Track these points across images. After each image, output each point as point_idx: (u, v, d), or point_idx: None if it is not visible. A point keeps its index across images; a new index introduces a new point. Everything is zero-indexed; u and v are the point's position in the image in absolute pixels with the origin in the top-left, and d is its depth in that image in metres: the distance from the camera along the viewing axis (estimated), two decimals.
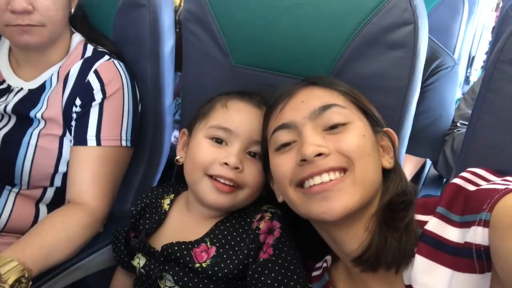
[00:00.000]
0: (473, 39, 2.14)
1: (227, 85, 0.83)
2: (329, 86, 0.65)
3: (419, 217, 0.57)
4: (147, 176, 1.04)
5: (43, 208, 0.92)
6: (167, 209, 0.77)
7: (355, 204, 0.56)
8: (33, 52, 0.89)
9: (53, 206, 0.90)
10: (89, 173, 0.84)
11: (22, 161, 0.85)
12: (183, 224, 0.76)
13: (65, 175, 0.89)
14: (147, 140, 1.01)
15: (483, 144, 0.69)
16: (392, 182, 0.61)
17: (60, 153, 0.88)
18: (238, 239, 0.69)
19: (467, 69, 2.31)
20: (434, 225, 0.53)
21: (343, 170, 0.58)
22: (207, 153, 0.70)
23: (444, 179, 1.38)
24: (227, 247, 0.69)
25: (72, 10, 0.90)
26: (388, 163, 0.63)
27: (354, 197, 0.56)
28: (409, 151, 1.02)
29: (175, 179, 0.84)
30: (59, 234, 0.76)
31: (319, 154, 0.57)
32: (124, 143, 0.88)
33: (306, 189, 0.58)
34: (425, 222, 0.55)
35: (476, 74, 2.36)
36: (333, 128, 0.60)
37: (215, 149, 0.70)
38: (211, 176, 0.69)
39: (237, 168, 0.68)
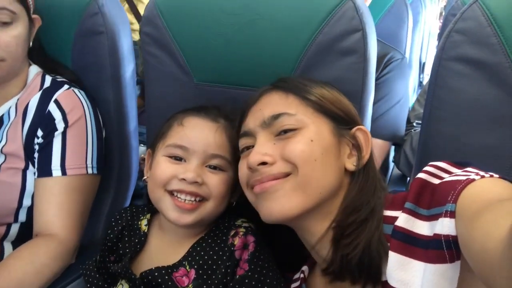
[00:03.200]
0: (421, 47, 2.27)
1: (190, 103, 0.84)
2: (288, 90, 0.66)
3: (388, 212, 0.58)
4: (117, 202, 1.02)
5: (8, 246, 0.88)
6: (145, 231, 0.76)
7: (295, 208, 0.58)
8: None
9: (18, 243, 0.86)
10: (56, 203, 0.82)
11: None
12: (161, 246, 0.75)
13: (30, 210, 0.87)
14: (114, 165, 1.00)
15: (437, 137, 0.73)
16: (350, 189, 0.61)
17: (23, 187, 0.85)
18: (215, 257, 0.69)
19: (419, 75, 2.43)
20: (403, 220, 0.54)
21: (287, 175, 0.59)
22: (166, 170, 0.71)
23: (408, 178, 1.43)
24: (205, 267, 0.69)
25: (30, 44, 0.89)
26: (351, 165, 0.63)
27: (295, 202, 0.58)
28: (371, 134, 1.09)
29: (146, 200, 0.83)
30: (27, 267, 0.74)
31: (263, 163, 0.60)
32: (90, 171, 0.87)
33: (253, 190, 0.62)
34: (394, 218, 0.56)
35: (428, 79, 2.49)
36: (285, 132, 0.62)
37: (174, 166, 0.71)
38: (172, 193, 0.70)
39: (196, 182, 0.69)
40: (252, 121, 0.65)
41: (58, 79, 0.92)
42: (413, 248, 0.52)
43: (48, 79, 0.91)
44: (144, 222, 0.78)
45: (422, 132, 0.77)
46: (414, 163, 0.82)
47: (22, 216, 0.87)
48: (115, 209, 1.01)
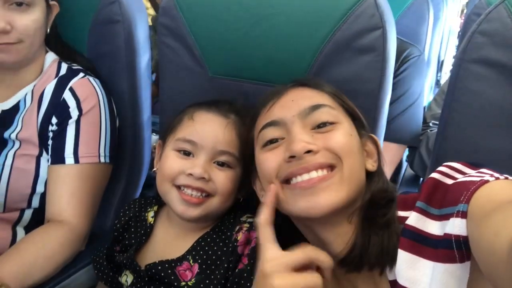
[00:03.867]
0: (441, 44, 2.22)
1: (205, 96, 0.83)
2: (317, 87, 0.66)
3: (400, 213, 0.58)
4: (128, 191, 1.03)
5: (20, 231, 0.89)
6: (152, 222, 0.77)
7: (341, 200, 0.57)
8: (7, 72, 0.88)
9: (31, 228, 0.87)
10: (68, 191, 0.83)
11: None
12: (167, 238, 0.76)
13: (43, 196, 0.88)
14: (127, 155, 1.00)
15: (454, 140, 0.72)
16: (374, 183, 0.62)
17: (37, 174, 0.86)
18: (219, 253, 0.70)
19: (437, 73, 2.39)
20: (414, 219, 0.54)
21: (331, 167, 0.59)
22: (174, 165, 0.71)
23: (421, 178, 1.41)
24: (209, 262, 0.69)
25: (48, 30, 0.89)
26: (371, 166, 0.64)
27: (341, 194, 0.57)
28: (387, 138, 1.06)
29: (155, 191, 0.84)
30: (38, 252, 0.75)
31: (308, 151, 0.58)
32: (102, 160, 0.87)
33: (293, 185, 0.59)
34: (406, 218, 0.56)
35: (445, 77, 2.44)
36: (321, 126, 0.61)
37: (182, 161, 0.71)
38: (179, 187, 0.71)
39: (203, 178, 0.69)
40: (283, 111, 0.63)
41: (74, 67, 0.92)
42: (423, 247, 0.52)
43: (64, 67, 0.91)
44: (150, 214, 0.78)
45: (439, 134, 0.75)
46: (429, 164, 0.81)
47: (35, 202, 0.88)
48: (126, 198, 1.02)
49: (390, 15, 0.73)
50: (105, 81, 0.94)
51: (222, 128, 0.72)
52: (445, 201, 0.51)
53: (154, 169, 0.78)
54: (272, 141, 0.63)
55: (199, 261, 0.69)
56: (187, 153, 0.72)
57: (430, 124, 1.32)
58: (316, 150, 0.59)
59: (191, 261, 0.70)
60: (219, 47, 0.82)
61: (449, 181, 0.53)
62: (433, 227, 0.52)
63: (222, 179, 0.70)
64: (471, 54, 0.67)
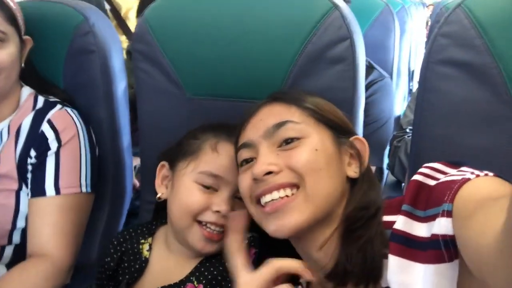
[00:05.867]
0: (409, 55, 2.30)
1: (184, 117, 0.84)
2: (288, 101, 0.66)
3: (386, 218, 0.58)
4: (112, 220, 1.02)
5: (1, 269, 0.86)
6: (147, 256, 0.74)
7: (305, 220, 0.58)
8: None
9: (13, 265, 0.85)
10: (50, 223, 0.81)
11: None
12: (165, 266, 0.74)
13: (23, 231, 0.85)
14: (108, 183, 0.99)
15: (428, 140, 0.74)
16: (355, 193, 0.62)
17: (17, 208, 0.84)
18: (224, 273, 0.68)
19: (409, 83, 2.46)
20: (401, 223, 0.54)
21: (295, 186, 0.59)
22: (198, 200, 0.69)
23: (403, 184, 1.44)
24: (214, 282, 0.68)
25: (22, 64, 0.89)
26: (353, 172, 0.64)
27: (305, 214, 0.58)
28: None
29: (154, 217, 0.81)
30: None
31: (269, 172, 0.59)
32: (84, 189, 0.86)
33: (262, 209, 0.60)
34: (393, 222, 0.56)
35: (417, 86, 2.53)
36: (287, 143, 0.61)
37: (205, 195, 0.69)
38: (199, 222, 0.69)
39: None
40: (252, 132, 0.64)
41: (51, 99, 0.92)
42: (413, 251, 0.52)
43: (41, 100, 0.91)
44: (145, 247, 0.76)
45: (414, 135, 0.78)
46: (408, 167, 0.82)
47: (16, 238, 0.86)
48: (110, 228, 1.00)
49: (356, 26, 0.77)
50: (83, 110, 0.94)
51: None
52: (430, 202, 0.52)
53: (159, 195, 0.75)
54: (247, 161, 0.64)
55: (204, 281, 0.68)
56: (207, 187, 0.70)
57: (407, 130, 1.36)
58: (277, 170, 0.59)
59: (195, 282, 0.68)
60: (194, 67, 0.83)
61: (432, 182, 0.54)
62: (420, 229, 0.53)
63: None
64: (435, 55, 0.71)
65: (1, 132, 0.88)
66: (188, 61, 0.84)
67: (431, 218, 0.51)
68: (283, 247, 0.68)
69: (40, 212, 0.82)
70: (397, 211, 0.56)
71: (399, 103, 1.85)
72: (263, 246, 0.71)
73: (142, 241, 0.77)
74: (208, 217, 0.68)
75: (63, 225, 0.82)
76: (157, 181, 0.76)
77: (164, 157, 0.77)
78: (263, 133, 0.63)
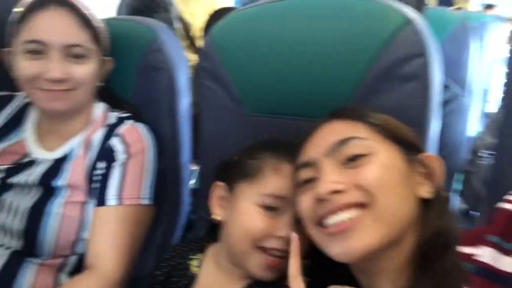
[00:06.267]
0: (485, 74, 2.14)
1: (244, 134, 0.84)
2: (351, 118, 0.62)
3: (464, 249, 0.53)
4: (168, 233, 1.03)
5: (64, 278, 0.89)
6: (196, 272, 0.73)
7: (376, 242, 0.53)
8: (58, 121, 0.92)
9: (75, 274, 0.88)
10: (108, 233, 0.83)
11: (47, 232, 0.85)
12: (213, 285, 0.72)
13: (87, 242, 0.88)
14: (166, 196, 1.00)
15: None
16: (430, 217, 0.56)
17: (82, 220, 0.87)
18: None
19: (483, 103, 2.29)
20: (488, 255, 0.50)
21: (362, 205, 0.54)
22: (260, 225, 0.66)
23: (470, 212, 1.32)
24: None
25: (100, 82, 0.94)
26: (426, 192, 0.58)
27: (375, 235, 0.53)
28: None
29: (209, 236, 0.80)
30: None
31: (335, 192, 0.55)
32: (145, 201, 0.88)
33: (326, 230, 0.56)
34: (473, 255, 0.51)
35: (491, 106, 2.34)
36: (352, 160, 0.57)
37: (268, 220, 0.66)
38: (260, 248, 0.66)
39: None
40: (313, 151, 0.61)
41: (121, 115, 0.95)
42: (498, 287, 0.48)
43: (112, 115, 0.95)
44: (195, 263, 0.75)
45: (497, 162, 0.70)
46: (486, 196, 0.74)
47: (80, 249, 0.89)
48: (166, 240, 1.02)
49: (432, 42, 0.72)
50: (149, 124, 0.96)
51: None
52: None
53: (215, 216, 0.73)
54: (307, 181, 0.60)
55: None
56: (269, 208, 0.67)
57: (482, 155, 1.25)
58: (343, 189, 0.55)
59: None
60: (256, 85, 0.83)
61: None
62: (509, 264, 0.48)
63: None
64: None
65: (75, 146, 0.92)
66: (250, 79, 0.83)
67: None
68: (338, 276, 0.63)
69: (100, 222, 0.84)
70: (477, 242, 0.51)
71: (472, 124, 1.72)
72: (315, 276, 0.67)
73: (191, 257, 0.76)
74: (271, 243, 0.65)
75: (121, 236, 0.83)
76: (212, 202, 0.74)
77: (220, 177, 0.75)
78: (325, 150, 0.59)
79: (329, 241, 0.56)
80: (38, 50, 0.83)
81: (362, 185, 0.55)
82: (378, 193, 0.54)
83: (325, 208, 0.56)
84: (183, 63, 1.04)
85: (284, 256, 0.64)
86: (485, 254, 0.50)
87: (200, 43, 1.89)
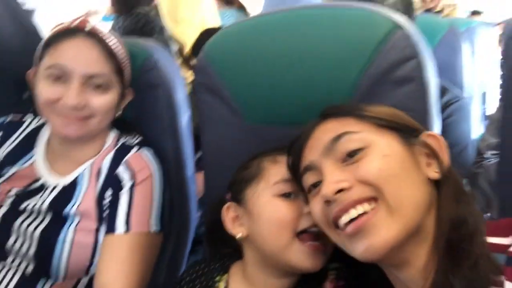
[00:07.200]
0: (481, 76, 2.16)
1: (244, 144, 0.84)
2: (342, 114, 0.62)
3: (493, 240, 0.51)
4: (177, 248, 1.02)
5: None
6: None
7: (395, 235, 0.52)
8: (70, 146, 0.92)
9: None
10: (117, 261, 0.82)
11: (59, 257, 0.85)
12: None
13: None
14: (173, 212, 1.00)
15: None
16: (444, 197, 0.55)
17: (95, 246, 0.87)
18: None
19: (482, 106, 2.30)
20: None
21: (372, 199, 0.54)
22: (288, 209, 0.66)
23: (488, 214, 1.31)
24: None
25: (119, 113, 0.94)
26: (434, 173, 0.57)
27: (393, 228, 0.52)
28: None
29: (236, 252, 0.77)
30: None
31: (340, 190, 0.55)
32: (153, 228, 0.87)
33: (344, 232, 0.55)
34: (505, 246, 0.49)
35: (490, 108, 2.35)
36: (351, 156, 0.57)
37: (291, 204, 0.67)
38: (300, 238, 0.65)
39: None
40: (311, 153, 0.61)
41: (129, 143, 0.95)
42: None
43: (121, 142, 0.95)
44: (222, 285, 0.73)
45: (502, 161, 0.70)
46: (498, 197, 0.74)
47: (93, 271, 0.88)
48: (176, 256, 1.01)
49: (423, 44, 0.73)
50: (151, 142, 0.97)
51: None
52: None
53: (239, 235, 0.71)
54: (314, 185, 0.60)
55: None
56: (287, 195, 0.67)
57: (486, 156, 1.24)
58: (348, 186, 0.54)
59: None
60: (253, 94, 0.84)
61: None
62: None
63: None
64: None
65: (85, 171, 0.92)
66: (247, 90, 0.84)
67: None
68: (372, 277, 0.62)
69: (109, 249, 0.83)
70: (508, 233, 0.50)
71: (474, 127, 1.73)
72: (351, 278, 0.66)
73: (217, 278, 0.74)
74: (306, 222, 0.65)
75: (130, 263, 0.82)
76: (228, 226, 0.73)
77: (226, 200, 0.75)
78: (322, 151, 0.59)
79: (350, 243, 0.55)
80: (59, 76, 0.84)
81: (365, 179, 0.54)
82: (383, 184, 0.53)
83: (335, 209, 0.55)
84: (180, 79, 1.05)
85: (322, 237, 0.63)
86: None
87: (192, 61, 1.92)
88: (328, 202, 0.56)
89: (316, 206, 0.59)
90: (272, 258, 0.68)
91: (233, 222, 0.73)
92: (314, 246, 0.64)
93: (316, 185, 0.60)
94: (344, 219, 0.54)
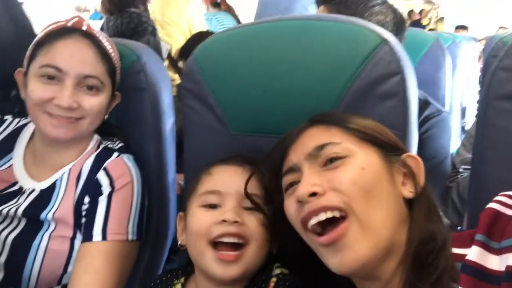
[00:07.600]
0: (461, 91, 2.21)
1: (227, 152, 0.83)
2: (328, 123, 0.64)
3: (457, 250, 0.54)
4: (154, 256, 1.01)
5: None
6: None
7: (369, 253, 0.53)
8: (53, 149, 0.90)
9: None
10: (92, 270, 0.80)
11: (31, 265, 0.83)
12: None
13: None
14: (152, 218, 0.99)
15: (490, 181, 0.69)
16: (416, 216, 0.57)
17: (70, 255, 0.86)
18: None
19: (462, 120, 2.35)
20: (474, 254, 0.50)
21: (340, 210, 0.55)
22: (204, 219, 0.70)
23: (458, 228, 1.34)
24: None
25: (106, 116, 0.92)
26: (408, 192, 0.59)
27: (366, 245, 0.54)
28: None
29: (183, 261, 0.81)
30: None
31: (314, 194, 0.56)
32: (130, 237, 0.86)
33: (318, 239, 0.57)
34: (464, 255, 0.51)
35: (469, 123, 2.42)
36: (331, 162, 0.59)
37: (211, 213, 0.70)
38: (214, 246, 0.68)
39: (236, 222, 0.67)
40: (295, 156, 0.63)
41: (109, 146, 0.93)
42: (484, 284, 0.48)
43: (102, 146, 0.93)
44: (178, 287, 0.75)
45: (473, 177, 0.72)
46: (467, 211, 0.76)
47: (66, 280, 0.86)
48: (152, 264, 1.00)
49: (407, 60, 0.74)
50: (132, 146, 0.96)
51: (241, 175, 0.72)
52: (506, 232, 0.48)
53: (179, 242, 0.76)
54: (291, 185, 0.62)
55: None
56: (213, 206, 0.71)
57: (460, 170, 1.27)
58: (321, 191, 0.56)
59: None
60: (239, 104, 0.84)
61: (510, 212, 0.50)
62: (494, 262, 0.49)
63: (255, 222, 0.69)
64: (496, 90, 0.66)
65: (63, 176, 0.89)
66: (233, 98, 0.84)
67: (507, 250, 0.47)
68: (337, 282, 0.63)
69: (84, 258, 0.82)
70: (469, 243, 0.52)
71: (452, 140, 1.77)
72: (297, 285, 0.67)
73: (175, 281, 0.76)
74: (217, 230, 0.67)
75: (104, 273, 0.81)
76: (178, 234, 0.77)
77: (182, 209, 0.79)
78: (305, 155, 0.61)
79: (323, 251, 0.57)
80: (53, 76, 0.83)
81: (338, 189, 0.56)
82: (353, 197, 0.55)
83: (306, 210, 0.57)
84: (167, 83, 1.04)
85: (237, 254, 0.67)
86: (472, 252, 0.51)
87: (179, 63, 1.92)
88: (300, 202, 0.58)
89: (290, 204, 0.61)
90: (197, 264, 0.71)
91: (182, 231, 0.77)
92: (225, 255, 0.66)
93: (293, 184, 0.62)
94: (313, 221, 0.57)
